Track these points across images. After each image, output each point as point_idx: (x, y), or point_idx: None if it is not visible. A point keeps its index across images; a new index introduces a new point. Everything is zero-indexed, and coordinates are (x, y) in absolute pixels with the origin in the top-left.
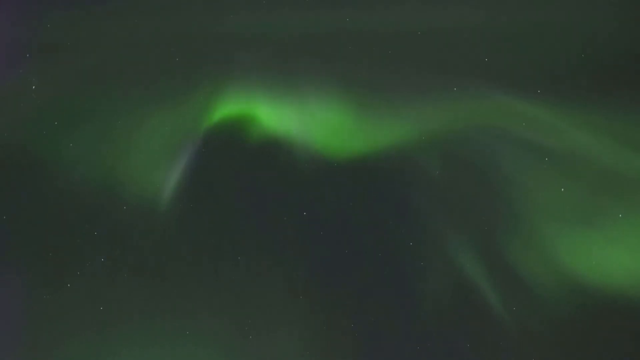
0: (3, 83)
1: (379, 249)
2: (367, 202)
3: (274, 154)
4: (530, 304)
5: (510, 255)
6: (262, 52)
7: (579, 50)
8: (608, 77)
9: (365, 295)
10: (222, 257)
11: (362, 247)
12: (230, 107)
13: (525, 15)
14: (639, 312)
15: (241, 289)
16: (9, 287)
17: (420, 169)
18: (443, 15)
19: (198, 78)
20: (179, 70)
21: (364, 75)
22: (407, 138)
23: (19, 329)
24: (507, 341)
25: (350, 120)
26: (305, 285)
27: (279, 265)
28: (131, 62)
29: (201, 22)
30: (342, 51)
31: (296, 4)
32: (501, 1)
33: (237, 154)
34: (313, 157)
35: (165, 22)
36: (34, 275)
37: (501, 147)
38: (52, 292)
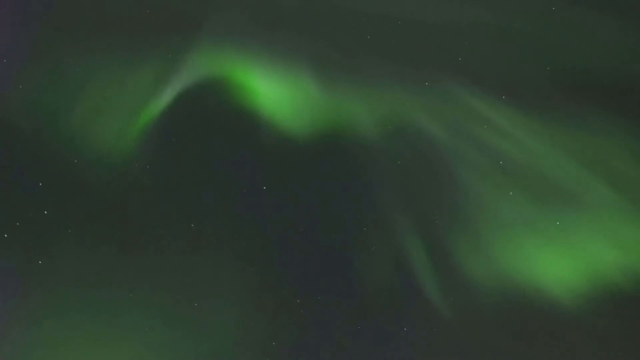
0: None
1: (333, 229)
2: (326, 183)
3: (239, 123)
4: (466, 296)
5: (454, 249)
6: (238, 16)
7: (547, 63)
8: (569, 93)
9: (314, 273)
10: (173, 223)
11: (316, 226)
12: (200, 70)
13: (507, 23)
14: (561, 311)
15: (190, 256)
16: None
17: (382, 157)
18: (427, 9)
19: (168, 35)
20: (151, 25)
21: (340, 56)
22: (373, 125)
23: None
24: (442, 328)
25: (319, 100)
26: (255, 257)
27: (231, 236)
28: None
29: None
30: (321, 28)
31: None
32: (490, 6)
33: (202, 119)
34: (278, 131)
35: None
36: None
37: (461, 146)
38: None
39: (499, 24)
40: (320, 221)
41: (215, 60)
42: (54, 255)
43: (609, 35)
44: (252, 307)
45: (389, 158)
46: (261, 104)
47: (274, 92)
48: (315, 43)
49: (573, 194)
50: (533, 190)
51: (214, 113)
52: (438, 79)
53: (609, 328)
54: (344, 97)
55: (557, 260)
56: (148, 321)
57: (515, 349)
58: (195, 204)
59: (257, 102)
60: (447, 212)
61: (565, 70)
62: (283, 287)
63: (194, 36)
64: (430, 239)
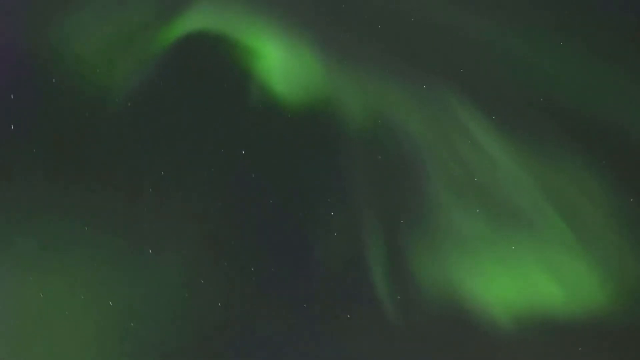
0: None
1: (300, 207)
2: (305, 160)
3: (231, 84)
4: (412, 298)
5: (412, 251)
6: None
7: (541, 95)
8: (553, 128)
9: (274, 245)
10: (144, 173)
11: (285, 200)
12: (199, 22)
13: (515, 49)
14: (495, 330)
15: (151, 204)
16: None
17: (364, 147)
18: (444, 14)
19: None
20: None
21: (348, 38)
22: (364, 114)
23: None
24: (382, 323)
25: (318, 77)
26: (217, 217)
27: (197, 191)
28: None
29: None
30: (337, 7)
31: None
32: (503, 28)
33: (194, 74)
34: (269, 97)
35: None
36: None
37: (443, 155)
38: None
39: (507, 48)
40: (289, 195)
41: (220, 13)
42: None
43: (605, 84)
44: (207, 264)
45: (371, 150)
46: (259, 65)
47: (274, 56)
48: (328, 19)
49: (532, 224)
50: (498, 212)
51: (209, 65)
52: (437, 85)
53: (536, 354)
54: (342, 80)
55: (504, 282)
56: (98, 258)
57: (444, 357)
58: (168, 153)
59: (255, 63)
60: (413, 216)
61: (555, 105)
62: (241, 251)
63: None
64: (391, 238)
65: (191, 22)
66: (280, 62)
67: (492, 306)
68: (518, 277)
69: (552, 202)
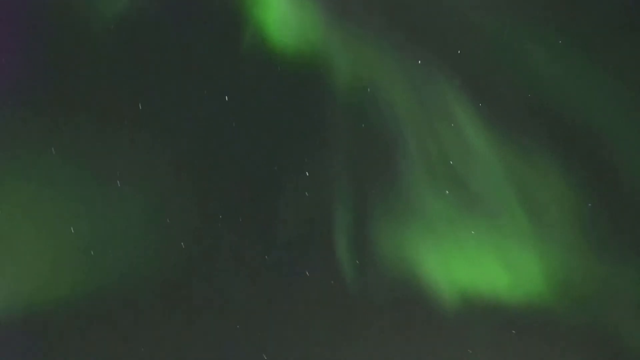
0: None
1: (275, 160)
2: (288, 113)
3: (226, 27)
4: (370, 266)
5: (377, 222)
6: None
7: (530, 91)
8: (535, 123)
9: (244, 196)
10: (121, 105)
11: (262, 150)
12: None
13: (514, 42)
14: (442, 309)
15: (127, 137)
16: None
17: (349, 113)
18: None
19: None
20: None
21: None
22: (355, 80)
23: None
24: (339, 285)
25: (317, 32)
26: (192, 162)
27: (174, 134)
28: None
29: None
30: None
31: None
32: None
33: (190, 10)
34: (261, 47)
35: None
36: None
37: (424, 133)
38: None
39: (507, 41)
40: (266, 148)
41: None
42: None
43: (592, 92)
44: (175, 204)
45: (355, 116)
46: (259, 12)
47: (276, 5)
48: None
49: (495, 212)
50: (466, 196)
51: (207, 3)
52: (432, 63)
53: (473, 332)
54: (339, 41)
55: (457, 263)
56: (63, 182)
57: (391, 325)
58: (149, 86)
59: (256, 9)
60: (385, 187)
61: (540, 104)
62: (210, 196)
63: None
64: (359, 205)
65: None
66: (280, 12)
67: (442, 283)
68: (471, 260)
69: (518, 194)
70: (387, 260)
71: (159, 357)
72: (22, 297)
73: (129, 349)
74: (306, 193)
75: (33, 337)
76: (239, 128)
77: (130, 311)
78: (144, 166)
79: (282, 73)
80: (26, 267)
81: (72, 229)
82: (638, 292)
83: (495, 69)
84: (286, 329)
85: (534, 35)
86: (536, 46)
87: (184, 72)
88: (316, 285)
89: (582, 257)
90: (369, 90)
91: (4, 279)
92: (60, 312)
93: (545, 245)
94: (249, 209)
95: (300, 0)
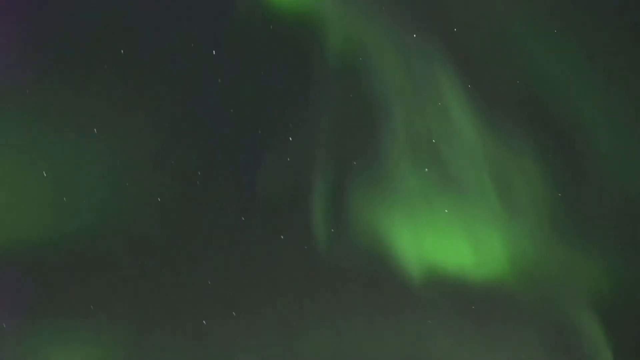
0: None
1: (260, 124)
2: (276, 79)
3: None
4: (344, 235)
5: (355, 192)
6: None
7: (519, 78)
8: (519, 109)
9: (225, 156)
10: (103, 50)
11: (246, 114)
12: None
13: (508, 29)
14: (405, 282)
15: (107, 85)
16: None
17: (339, 79)
18: None
19: None
20: None
21: None
22: (348, 49)
23: None
24: (312, 250)
25: None
26: (173, 115)
27: (157, 85)
28: None
29: None
30: None
31: None
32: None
33: None
34: (256, 3)
35: None
36: None
37: (410, 109)
38: None
39: (506, 27)
40: (251, 109)
41: None
42: None
43: (582, 89)
44: (153, 158)
45: (344, 84)
46: None
47: None
48: None
49: (470, 193)
50: (444, 175)
51: None
52: (427, 39)
53: (435, 307)
54: (339, 6)
55: (427, 239)
56: (39, 125)
57: (357, 297)
58: (132, 33)
59: None
60: (366, 159)
61: (528, 92)
62: (190, 153)
63: None
64: (339, 174)
65: None
66: None
67: (411, 257)
68: (441, 237)
69: (493, 178)
70: (361, 231)
71: (128, 309)
72: None
73: (98, 298)
74: (288, 158)
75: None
76: (225, 86)
77: (99, 262)
78: (123, 116)
79: (275, 33)
80: None
81: (44, 172)
82: (592, 280)
83: (489, 52)
84: (257, 289)
85: (531, 23)
86: (532, 34)
87: (173, 24)
88: (290, 249)
89: (546, 243)
90: (360, 59)
91: None
92: (29, 255)
93: (513, 229)
94: (229, 168)
95: None
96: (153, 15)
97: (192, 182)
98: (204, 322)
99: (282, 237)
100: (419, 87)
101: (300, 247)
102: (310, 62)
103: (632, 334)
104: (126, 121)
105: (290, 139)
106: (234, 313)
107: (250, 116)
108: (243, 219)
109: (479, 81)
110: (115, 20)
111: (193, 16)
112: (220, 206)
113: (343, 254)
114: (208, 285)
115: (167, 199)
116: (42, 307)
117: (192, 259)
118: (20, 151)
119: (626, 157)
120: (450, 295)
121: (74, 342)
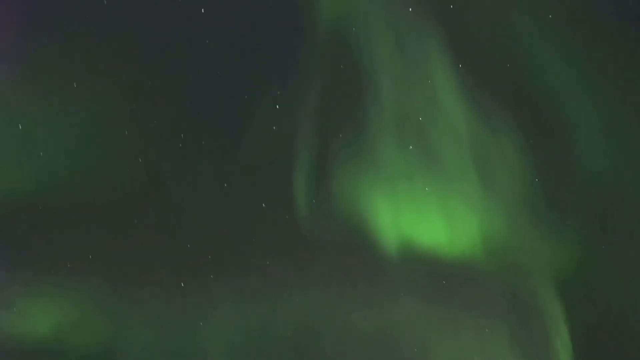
0: None
1: (247, 90)
2: (267, 43)
3: None
4: (325, 206)
5: (338, 165)
6: None
7: (510, 62)
8: (506, 93)
9: (209, 118)
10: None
11: (233, 77)
12: None
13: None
14: (380, 255)
15: (87, 41)
16: None
17: (330, 51)
18: None
19: None
20: None
21: None
22: (343, 18)
23: None
24: (292, 219)
25: None
26: (158, 72)
27: (143, 40)
28: None
29: None
30: None
31: None
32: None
33: None
34: None
35: None
36: None
37: (400, 86)
38: None
39: (503, 11)
40: (239, 72)
41: None
42: None
43: (570, 81)
44: (134, 114)
45: (335, 55)
46: None
47: None
48: None
49: (452, 172)
50: (428, 153)
51: None
52: (422, 15)
53: (407, 280)
54: None
55: (406, 215)
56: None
57: (334, 267)
58: None
59: None
60: (352, 133)
61: (516, 77)
62: (172, 111)
63: None
64: (324, 146)
65: None
66: None
67: (389, 231)
68: (419, 214)
69: (476, 159)
70: (342, 203)
71: (106, 268)
72: None
73: (76, 254)
74: (274, 127)
75: None
76: (213, 50)
77: (77, 220)
78: (106, 73)
79: None
80: None
81: (20, 125)
82: (556, 261)
83: (483, 34)
84: (236, 255)
85: (528, 10)
86: (528, 20)
87: None
88: (270, 217)
89: (518, 225)
90: (354, 30)
91: None
92: (2, 210)
93: (489, 210)
94: (213, 133)
95: None
96: None
97: (175, 143)
98: (182, 284)
99: (263, 205)
100: (410, 63)
101: (281, 216)
102: (301, 30)
103: (587, 312)
104: (109, 77)
105: (277, 107)
106: (212, 276)
107: (238, 81)
108: (225, 185)
109: (470, 62)
110: None
111: None
112: (202, 170)
113: (323, 225)
114: (187, 249)
115: (148, 160)
116: (17, 261)
117: (173, 221)
118: None
119: (604, 149)
120: (424, 270)
121: (48, 298)
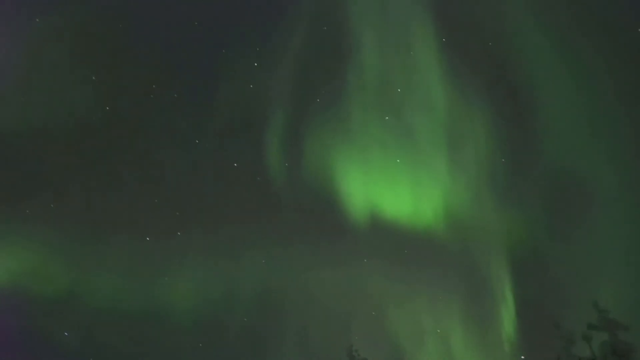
0: None
1: (228, 46)
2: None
3: None
4: (297, 170)
5: (312, 131)
6: None
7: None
8: (490, 69)
9: (187, 73)
10: None
11: (217, 34)
12: None
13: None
14: (352, 218)
15: None
16: None
17: (314, 8)
18: None
19: None
20: None
21: None
22: None
23: None
24: (264, 180)
25: None
26: (136, 29)
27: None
28: None
29: None
30: None
31: None
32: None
33: None
34: None
35: None
36: None
37: (381, 54)
38: None
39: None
40: (220, 27)
41: None
42: None
43: (554, 67)
44: (108, 60)
45: (318, 16)
46: None
47: None
48: None
49: (424, 146)
50: (403, 126)
51: None
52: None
53: (375, 249)
54: None
55: (374, 185)
56: None
57: (302, 229)
58: None
59: None
60: (328, 100)
61: (498, 56)
62: (148, 64)
63: None
64: (299, 110)
65: None
66: None
67: (357, 199)
68: (388, 184)
69: (448, 134)
70: (314, 168)
71: (73, 220)
72: None
73: (39, 202)
74: (251, 85)
75: None
76: (193, 1)
77: (40, 166)
78: (80, 22)
79: None
80: None
81: None
82: (510, 238)
83: (469, 10)
84: (204, 212)
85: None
86: (514, 2)
87: None
88: (242, 177)
89: (480, 203)
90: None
91: None
92: None
93: (454, 186)
94: (188, 85)
95: None
96: None
97: (147, 93)
98: (147, 238)
99: (235, 164)
100: (394, 32)
101: (252, 177)
102: None
103: (532, 285)
104: (82, 28)
105: (256, 64)
106: (179, 233)
107: (216, 35)
108: (197, 141)
109: (454, 37)
110: None
111: None
112: (173, 124)
113: (294, 188)
114: (155, 204)
115: (116, 109)
116: None
117: (140, 174)
118: None
119: (568, 140)
120: (388, 237)
121: (9, 245)
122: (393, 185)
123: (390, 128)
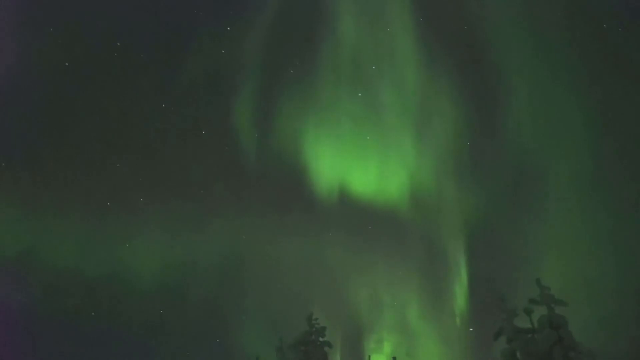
0: None
1: (200, 6)
2: None
3: None
4: (268, 143)
5: (284, 104)
6: None
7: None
8: (466, 50)
9: (158, 30)
10: None
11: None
12: None
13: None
14: (322, 193)
15: None
16: None
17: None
18: None
19: None
20: None
21: None
22: None
23: None
24: (236, 151)
25: None
26: None
27: None
28: None
29: None
30: None
31: None
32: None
33: None
34: None
35: None
36: None
37: (358, 31)
38: None
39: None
40: None
41: None
42: None
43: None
44: (77, 23)
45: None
46: None
47: None
48: None
49: (394, 124)
50: (377, 103)
51: None
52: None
53: (341, 222)
54: None
55: (343, 160)
56: None
57: (270, 202)
58: None
59: None
60: (301, 72)
61: (472, 38)
62: (114, 22)
63: None
64: (271, 80)
65: None
66: None
67: (326, 173)
68: (356, 161)
69: (419, 114)
70: (284, 140)
71: (32, 185)
72: None
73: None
74: (222, 50)
75: None
76: None
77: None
78: None
79: None
80: None
81: None
82: (468, 216)
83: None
84: (169, 178)
85: None
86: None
87: None
88: (210, 146)
89: (444, 183)
90: None
91: None
92: None
93: (419, 165)
94: (154, 46)
95: None
96: None
97: (110, 50)
98: (108, 203)
99: (203, 132)
100: (372, 9)
101: (220, 146)
102: None
103: (485, 263)
104: None
105: (229, 28)
106: (142, 199)
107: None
108: (163, 105)
109: (431, 16)
110: None
111: None
112: (139, 85)
113: (262, 159)
114: (117, 168)
115: (77, 67)
116: None
117: (103, 136)
118: None
119: (531, 127)
120: (353, 212)
121: None
122: (361, 162)
123: (362, 104)
